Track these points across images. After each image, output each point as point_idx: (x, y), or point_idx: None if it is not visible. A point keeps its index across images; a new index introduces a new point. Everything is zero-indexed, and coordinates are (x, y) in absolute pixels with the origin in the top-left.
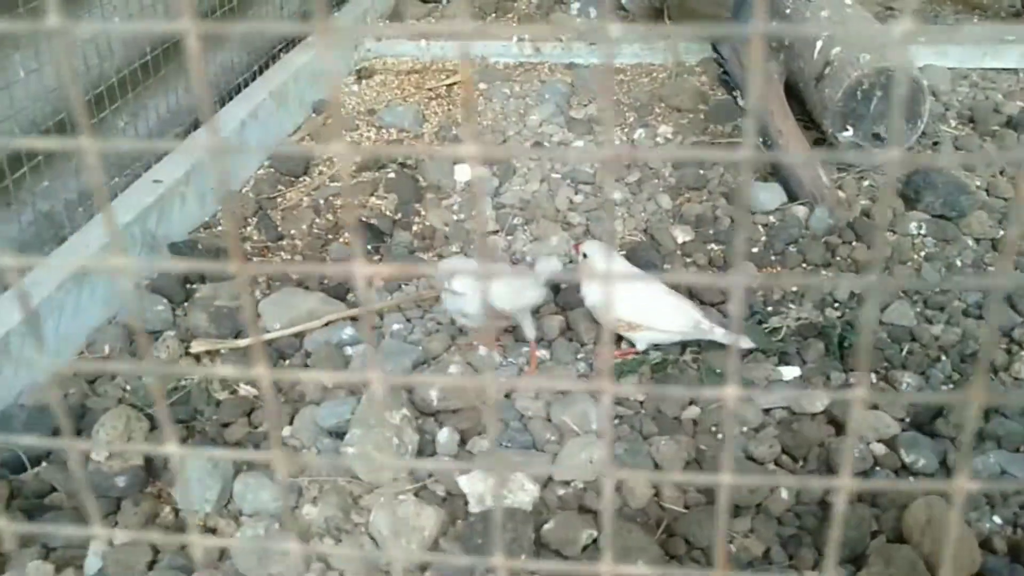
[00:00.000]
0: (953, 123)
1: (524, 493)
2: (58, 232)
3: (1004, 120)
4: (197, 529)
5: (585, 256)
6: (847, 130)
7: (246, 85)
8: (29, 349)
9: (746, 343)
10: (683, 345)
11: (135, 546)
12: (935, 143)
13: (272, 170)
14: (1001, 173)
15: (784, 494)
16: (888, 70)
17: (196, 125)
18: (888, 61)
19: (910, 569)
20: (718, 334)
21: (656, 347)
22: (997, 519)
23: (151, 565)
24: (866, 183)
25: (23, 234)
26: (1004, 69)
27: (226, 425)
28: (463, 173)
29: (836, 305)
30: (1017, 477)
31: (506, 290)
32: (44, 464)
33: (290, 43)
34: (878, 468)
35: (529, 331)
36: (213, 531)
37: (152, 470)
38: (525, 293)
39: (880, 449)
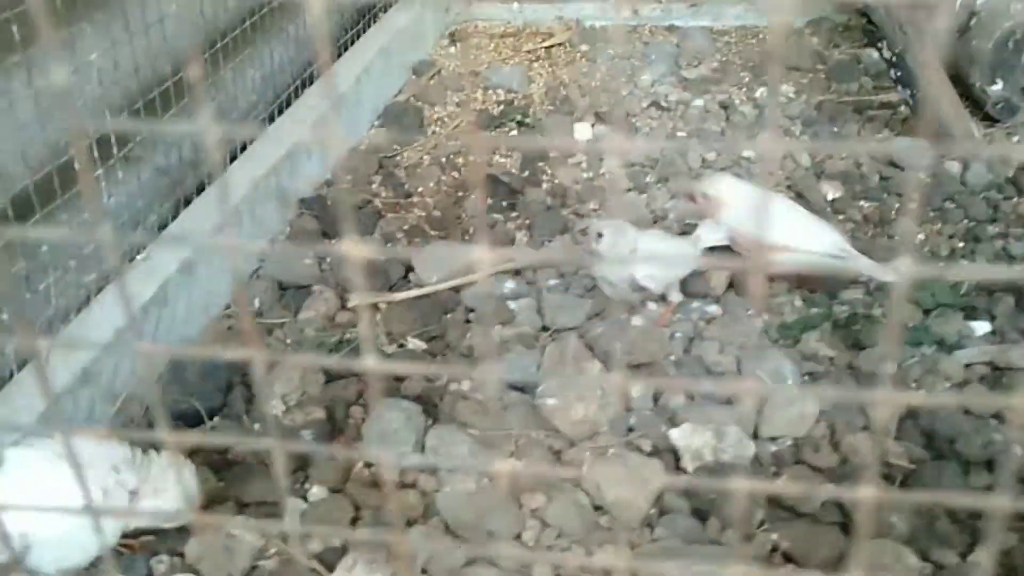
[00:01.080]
0: None
1: (743, 447)
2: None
3: None
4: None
5: (705, 196)
6: (996, 83)
7: (350, 44)
8: (185, 299)
9: (891, 276)
10: (867, 298)
11: (334, 502)
12: None
13: (384, 129)
14: None
15: (1019, 451)
16: None
17: (308, 81)
18: None
19: None
20: (864, 264)
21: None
22: None
23: (354, 521)
24: (1015, 139)
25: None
26: None
27: (401, 379)
28: (583, 132)
29: (1013, 261)
30: None
31: (654, 268)
32: (217, 419)
33: (386, 5)
34: None
35: (675, 296)
36: (412, 486)
37: (335, 424)
38: (673, 272)
39: None
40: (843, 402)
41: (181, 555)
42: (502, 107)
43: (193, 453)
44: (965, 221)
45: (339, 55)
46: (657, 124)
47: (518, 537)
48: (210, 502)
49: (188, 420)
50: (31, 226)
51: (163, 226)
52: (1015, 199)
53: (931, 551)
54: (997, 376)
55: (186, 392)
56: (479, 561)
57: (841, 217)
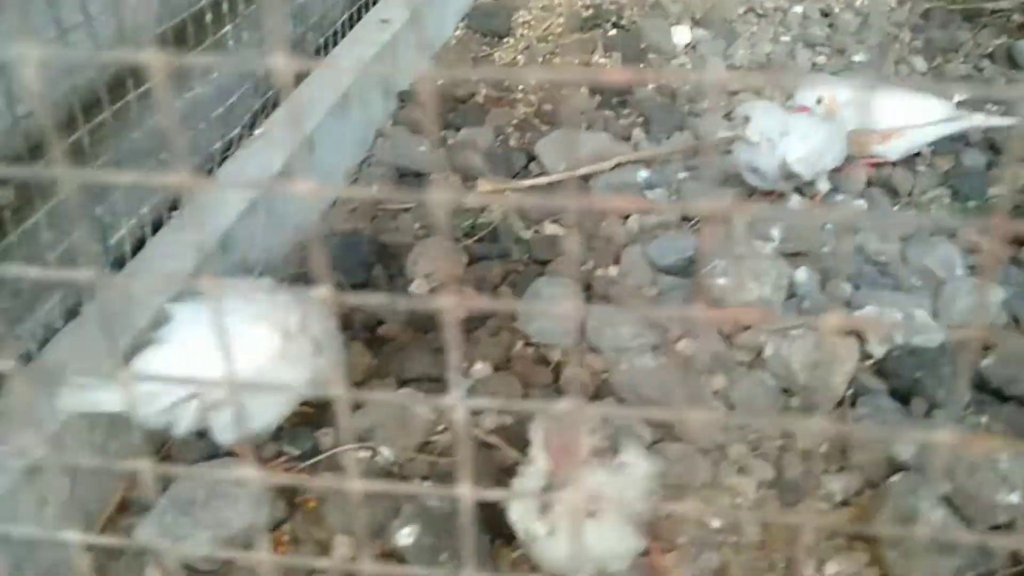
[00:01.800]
0: None
1: (931, 331)
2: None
3: None
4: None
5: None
6: None
7: None
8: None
9: (1008, 120)
10: None
11: (501, 379)
12: None
13: (470, 30)
14: None
15: None
16: None
17: None
18: None
19: None
20: (977, 120)
21: None
22: None
23: (525, 391)
24: None
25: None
26: None
27: (543, 262)
28: (682, 35)
29: None
30: None
31: (807, 152)
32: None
33: None
34: None
35: (823, 185)
36: (580, 366)
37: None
38: (825, 158)
39: None
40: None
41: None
42: (591, 10)
43: (345, 328)
44: None
45: None
46: (757, 30)
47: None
48: (367, 379)
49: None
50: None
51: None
52: None
53: None
54: None
55: (329, 267)
56: (667, 439)
57: None
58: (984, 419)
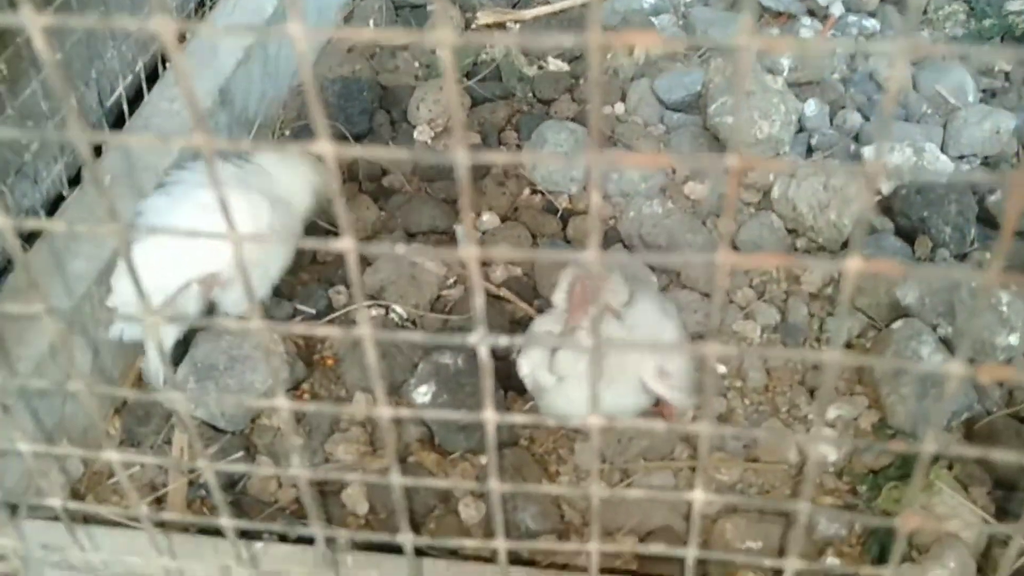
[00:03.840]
0: None
1: (940, 163)
2: None
3: None
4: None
5: None
6: None
7: None
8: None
9: None
10: None
11: (510, 229)
12: None
13: None
14: None
15: None
16: None
17: None
18: None
19: None
20: None
21: None
22: None
23: (534, 240)
24: None
25: None
26: None
27: (547, 102)
28: None
29: None
30: None
31: None
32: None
33: None
34: None
35: (836, 8)
36: (582, 212)
37: (489, 150)
38: None
39: None
40: None
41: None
42: None
43: (349, 180)
44: None
45: None
46: None
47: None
48: (375, 232)
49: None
50: None
51: None
52: None
53: None
54: None
55: (329, 116)
56: (674, 285)
57: None
58: (988, 254)
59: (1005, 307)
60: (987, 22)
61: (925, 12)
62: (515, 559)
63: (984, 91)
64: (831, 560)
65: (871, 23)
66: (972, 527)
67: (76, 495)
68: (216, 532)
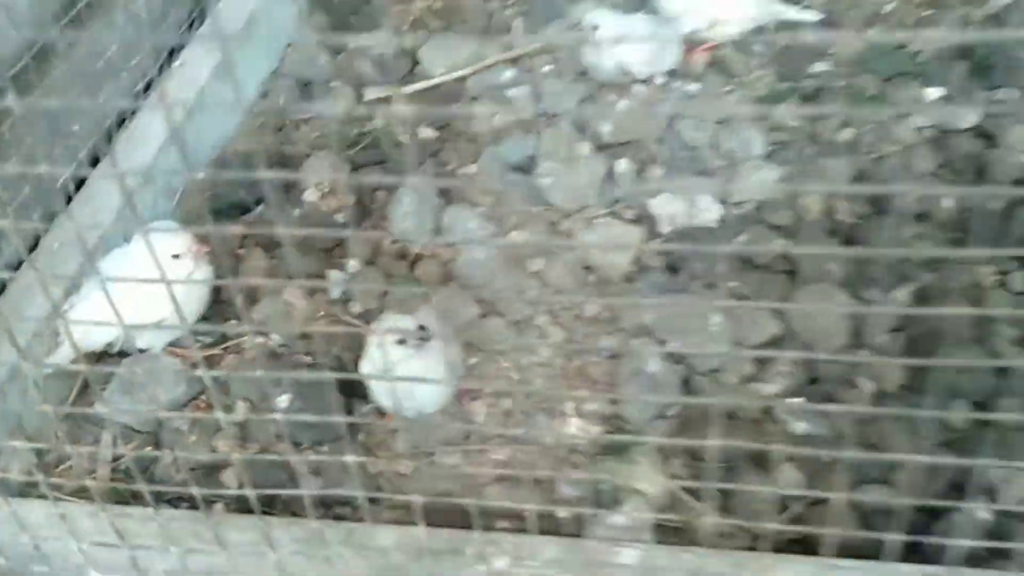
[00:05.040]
0: None
1: (710, 213)
2: None
3: None
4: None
5: None
6: None
7: None
8: (223, 97)
9: (813, 16)
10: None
11: (369, 273)
12: None
13: None
14: None
15: (948, 202)
16: None
17: None
18: None
19: None
20: (792, 12)
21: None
22: None
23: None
24: None
25: None
26: None
27: (415, 166)
28: None
29: (974, 23)
30: None
31: (642, 56)
32: (262, 206)
33: None
34: None
35: (659, 78)
36: (432, 257)
37: (364, 208)
38: (662, 59)
39: None
40: (800, 169)
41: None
42: None
43: (246, 236)
44: None
45: None
46: None
47: (523, 294)
48: (266, 276)
49: (237, 208)
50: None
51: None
52: None
53: (860, 291)
54: (943, 138)
55: (234, 185)
56: (490, 314)
57: None
58: (734, 284)
59: (715, 326)
60: (785, 85)
61: (735, 76)
62: (339, 517)
63: (776, 143)
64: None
65: (693, 87)
66: (656, 485)
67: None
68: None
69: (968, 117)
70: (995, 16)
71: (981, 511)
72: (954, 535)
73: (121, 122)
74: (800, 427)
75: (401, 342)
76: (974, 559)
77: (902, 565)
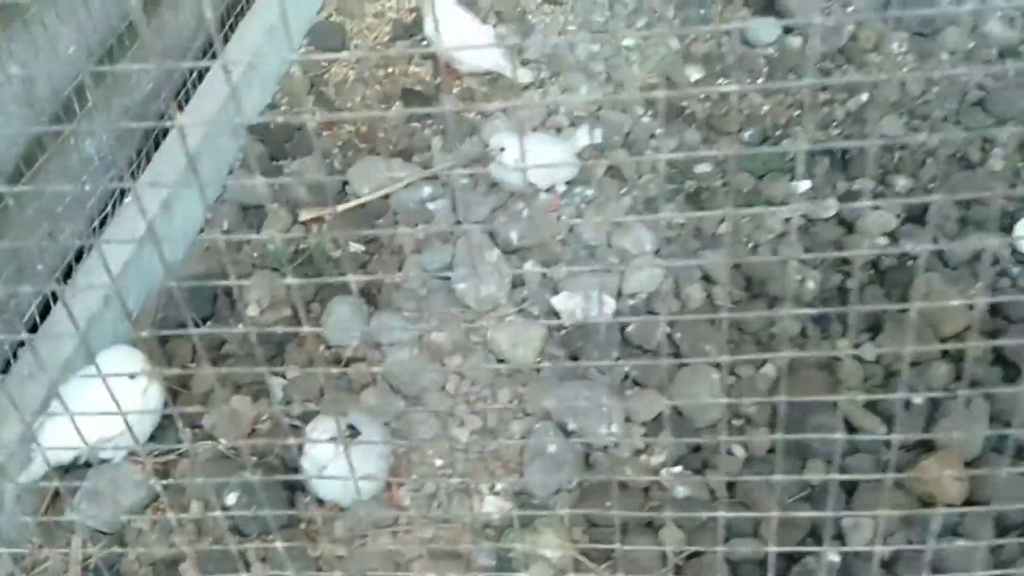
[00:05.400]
0: None
1: (606, 306)
2: None
3: None
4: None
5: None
6: None
7: None
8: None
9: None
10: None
11: (306, 379)
12: None
13: (312, 47)
14: None
15: (811, 284)
16: None
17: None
18: None
19: (917, 329)
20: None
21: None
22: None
23: (321, 392)
24: (850, 8)
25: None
26: None
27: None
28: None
29: (835, 124)
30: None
31: (543, 171)
32: (209, 323)
33: None
34: (883, 257)
35: (560, 188)
36: (363, 359)
37: (299, 320)
38: (559, 172)
39: (883, 240)
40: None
41: (200, 427)
42: (414, 15)
43: (195, 351)
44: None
45: None
46: (550, 19)
47: (443, 388)
48: (212, 387)
49: (185, 327)
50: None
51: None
52: (844, 67)
53: (736, 368)
54: (807, 226)
55: (182, 304)
56: (415, 407)
57: (703, 98)
58: (627, 368)
59: (608, 407)
60: (671, 186)
61: (628, 180)
62: None
63: (666, 239)
64: None
65: (590, 192)
66: (561, 549)
67: None
68: None
69: (830, 207)
70: (855, 113)
71: (831, 554)
72: None
73: (79, 257)
74: (680, 491)
75: (332, 440)
76: None
77: None
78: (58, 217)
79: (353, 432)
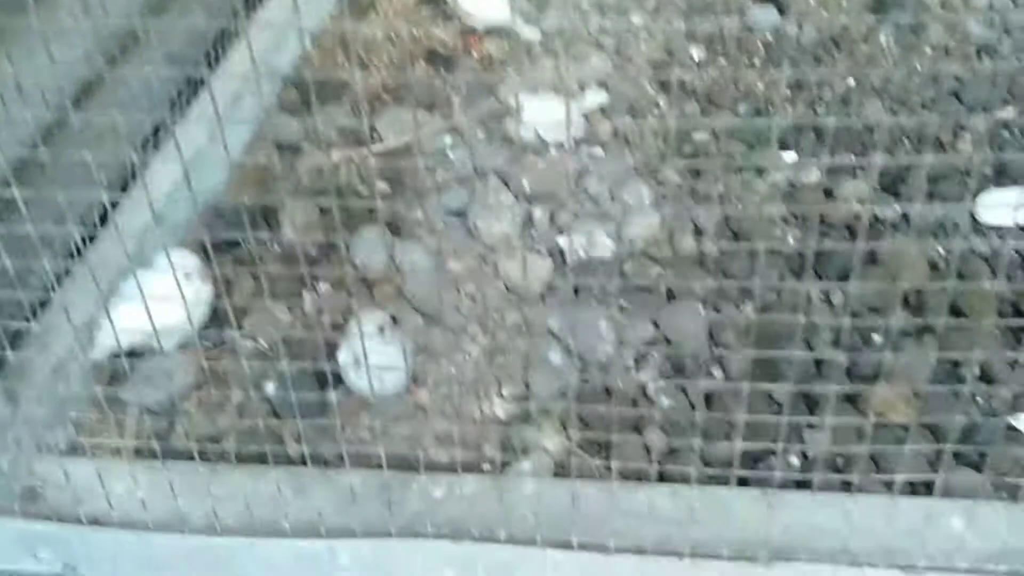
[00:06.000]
0: None
1: (605, 247)
2: None
3: None
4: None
5: None
6: None
7: None
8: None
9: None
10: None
11: (337, 294)
12: None
13: (345, 8)
14: None
15: (791, 240)
16: None
17: None
18: None
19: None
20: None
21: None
22: (940, 249)
23: (348, 307)
24: (844, 3)
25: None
26: None
27: (372, 210)
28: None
29: (823, 103)
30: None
31: (553, 126)
32: (246, 245)
33: None
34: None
35: (568, 144)
36: (387, 282)
37: (331, 245)
38: (567, 129)
39: (860, 208)
40: (678, 215)
41: (242, 327)
42: None
43: (239, 264)
44: (792, 71)
45: None
46: None
47: (458, 309)
48: (251, 294)
49: (229, 243)
50: None
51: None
52: (835, 54)
53: (718, 305)
54: (792, 191)
55: (225, 226)
56: (432, 324)
57: (704, 73)
58: (624, 302)
59: (605, 330)
60: (671, 150)
61: (631, 143)
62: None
63: (663, 196)
64: None
65: (597, 150)
66: (555, 443)
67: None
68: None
69: (812, 174)
70: (842, 98)
71: (792, 458)
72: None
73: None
74: (665, 402)
75: (380, 330)
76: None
77: (736, 488)
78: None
79: (393, 325)
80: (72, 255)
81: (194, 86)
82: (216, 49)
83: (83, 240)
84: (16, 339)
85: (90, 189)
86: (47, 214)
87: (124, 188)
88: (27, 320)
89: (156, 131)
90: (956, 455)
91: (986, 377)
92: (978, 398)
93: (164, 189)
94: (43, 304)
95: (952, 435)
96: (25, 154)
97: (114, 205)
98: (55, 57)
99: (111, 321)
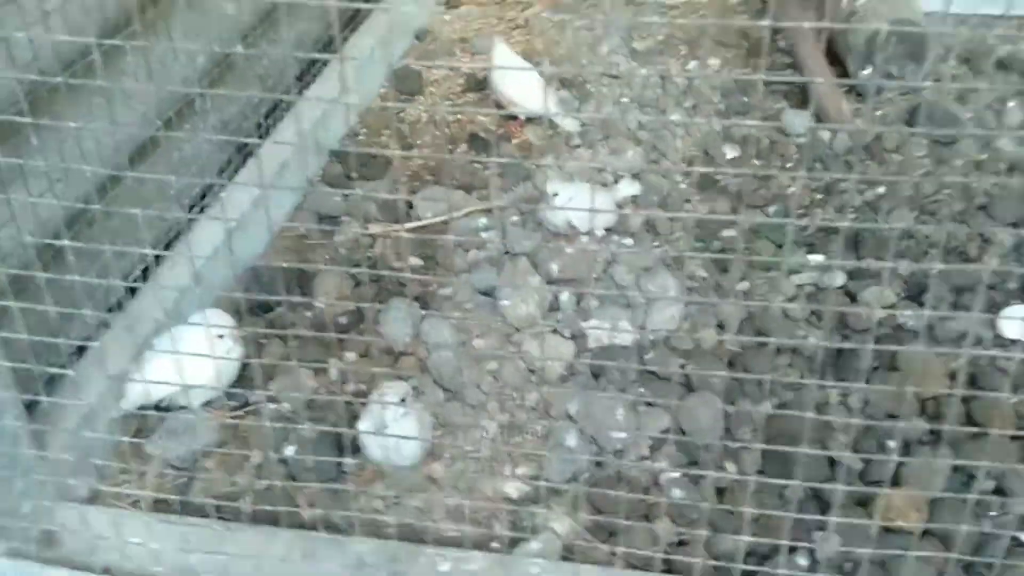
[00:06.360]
0: (952, 63)
1: (627, 335)
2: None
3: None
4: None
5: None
6: (866, 69)
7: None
8: (257, 227)
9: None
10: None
11: (363, 363)
12: (936, 79)
13: (392, 88)
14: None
15: (812, 340)
16: (902, 21)
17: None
18: (901, 13)
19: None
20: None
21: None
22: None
23: (372, 377)
24: (879, 112)
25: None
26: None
27: (403, 284)
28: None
29: (852, 209)
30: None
31: (584, 216)
32: (279, 309)
33: None
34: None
35: (599, 232)
36: (411, 354)
37: (361, 315)
38: (600, 218)
39: (882, 313)
40: (702, 308)
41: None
42: (487, 72)
43: (271, 327)
44: (826, 177)
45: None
46: (607, 91)
47: (478, 386)
48: (280, 360)
49: (262, 308)
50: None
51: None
52: (867, 161)
53: (735, 400)
54: (816, 292)
55: (261, 289)
56: (452, 400)
57: (735, 172)
58: (642, 389)
59: (621, 418)
60: (697, 244)
61: (662, 235)
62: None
63: (689, 289)
64: None
65: (628, 240)
66: (565, 526)
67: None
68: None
69: (837, 279)
70: (872, 203)
71: (800, 558)
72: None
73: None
74: (676, 494)
75: (402, 401)
76: None
77: None
78: (168, 198)
79: (414, 396)
80: (111, 308)
81: (244, 154)
82: (267, 120)
83: (125, 292)
84: (50, 384)
85: (136, 244)
86: (93, 265)
87: (168, 246)
88: (62, 367)
89: (204, 194)
90: (965, 567)
91: (999, 490)
92: (991, 512)
93: (206, 250)
94: (80, 351)
95: (959, 544)
96: (79, 208)
97: (157, 260)
98: (116, 118)
99: (143, 374)
